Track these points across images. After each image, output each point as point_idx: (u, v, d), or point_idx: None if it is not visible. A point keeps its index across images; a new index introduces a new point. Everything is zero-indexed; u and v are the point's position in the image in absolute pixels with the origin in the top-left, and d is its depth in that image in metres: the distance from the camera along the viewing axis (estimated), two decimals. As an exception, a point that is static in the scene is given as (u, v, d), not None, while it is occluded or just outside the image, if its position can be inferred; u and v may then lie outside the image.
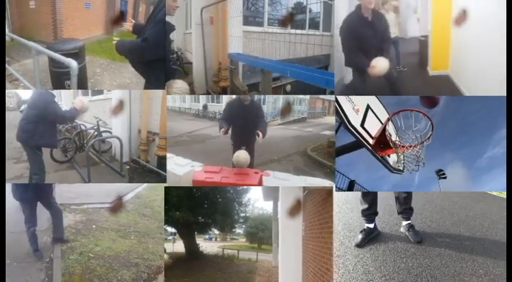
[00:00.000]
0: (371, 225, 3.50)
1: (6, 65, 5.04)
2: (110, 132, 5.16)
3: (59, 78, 4.11)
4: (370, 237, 3.46)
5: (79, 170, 4.54)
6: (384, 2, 3.30)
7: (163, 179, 4.18)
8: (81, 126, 5.38)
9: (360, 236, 3.43)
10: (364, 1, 3.19)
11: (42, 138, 3.23)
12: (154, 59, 2.94)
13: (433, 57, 5.18)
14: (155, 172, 4.37)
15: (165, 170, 4.19)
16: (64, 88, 4.13)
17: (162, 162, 4.30)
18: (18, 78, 4.69)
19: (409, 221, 3.56)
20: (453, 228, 3.82)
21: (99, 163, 4.92)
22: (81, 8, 8.41)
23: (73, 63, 3.35)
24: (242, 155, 3.10)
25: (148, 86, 3.16)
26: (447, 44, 4.94)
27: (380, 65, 3.07)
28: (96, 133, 5.12)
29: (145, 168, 4.59)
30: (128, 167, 4.65)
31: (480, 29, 3.30)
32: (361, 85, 3.39)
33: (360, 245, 3.36)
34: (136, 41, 2.92)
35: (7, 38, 6.49)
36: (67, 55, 3.64)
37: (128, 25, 3.31)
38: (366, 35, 3.23)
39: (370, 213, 3.48)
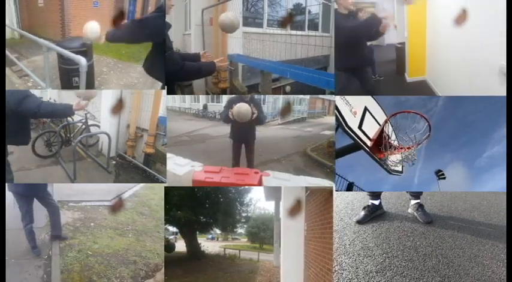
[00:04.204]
0: (376, 202, 3.30)
1: (17, 61, 5.12)
2: (98, 126, 5.01)
3: (68, 75, 4.18)
4: (374, 215, 3.25)
5: (64, 166, 4.38)
6: (359, 9, 3.32)
7: (148, 176, 4.23)
8: (68, 118, 5.01)
9: (362, 213, 3.23)
10: (344, 2, 3.29)
11: (16, 137, 2.88)
12: (151, 41, 2.87)
13: (410, 63, 5.12)
14: (141, 168, 4.33)
15: (151, 167, 4.24)
16: (72, 85, 4.17)
17: (148, 159, 4.34)
18: (28, 74, 4.71)
19: (418, 200, 3.36)
20: (466, 213, 3.61)
21: (85, 158, 4.80)
22: (89, 6, 8.39)
23: (82, 60, 3.39)
24: (244, 106, 2.98)
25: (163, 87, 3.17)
26: (423, 49, 4.89)
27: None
28: (84, 127, 4.89)
29: (131, 163, 4.53)
30: (114, 162, 4.58)
31: (472, 29, 3.27)
32: (344, 85, 3.39)
33: (361, 222, 3.17)
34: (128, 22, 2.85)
35: (16, 35, 6.58)
36: (75, 53, 3.66)
37: None
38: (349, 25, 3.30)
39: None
